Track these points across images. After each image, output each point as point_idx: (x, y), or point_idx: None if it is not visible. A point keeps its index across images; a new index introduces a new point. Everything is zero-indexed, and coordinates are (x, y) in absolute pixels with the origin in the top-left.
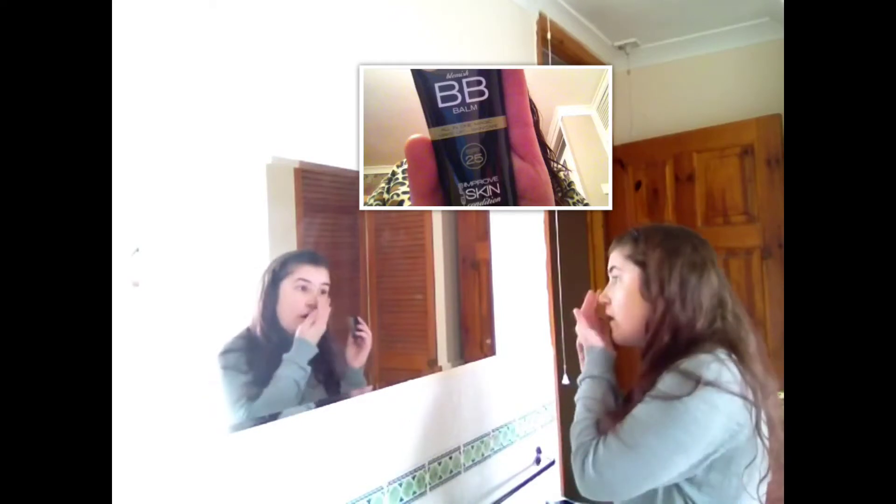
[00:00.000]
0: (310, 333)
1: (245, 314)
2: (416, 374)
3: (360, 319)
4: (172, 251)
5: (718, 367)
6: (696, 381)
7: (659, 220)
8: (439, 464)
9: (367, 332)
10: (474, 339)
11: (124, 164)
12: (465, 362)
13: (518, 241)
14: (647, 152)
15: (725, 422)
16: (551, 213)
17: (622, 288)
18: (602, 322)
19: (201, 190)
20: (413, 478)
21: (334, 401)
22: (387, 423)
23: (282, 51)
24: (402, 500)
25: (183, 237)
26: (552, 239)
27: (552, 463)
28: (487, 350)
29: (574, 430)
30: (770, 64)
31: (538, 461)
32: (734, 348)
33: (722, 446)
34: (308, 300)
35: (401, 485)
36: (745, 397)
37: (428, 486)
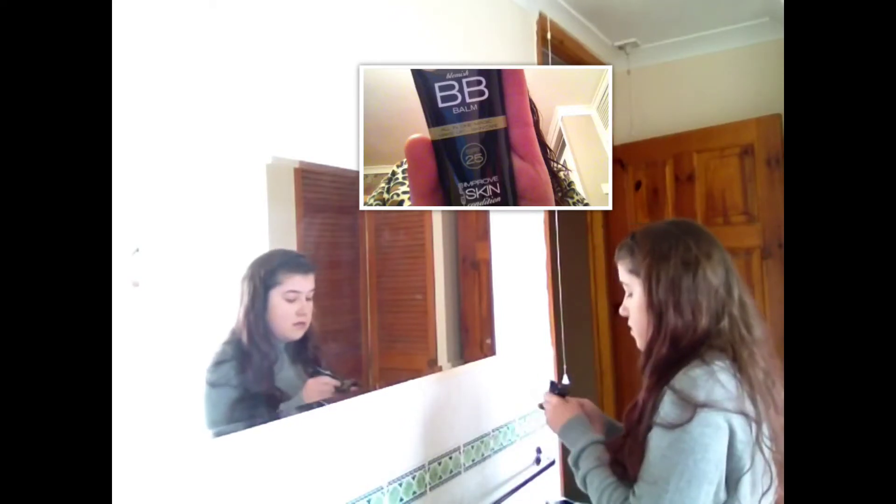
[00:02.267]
0: (309, 397)
1: (230, 320)
2: (416, 374)
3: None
4: (172, 251)
5: (710, 384)
6: (693, 406)
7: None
8: (439, 464)
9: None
10: (474, 339)
11: (124, 164)
12: (465, 362)
13: (518, 241)
14: (647, 152)
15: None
16: (551, 213)
17: (633, 302)
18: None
19: (201, 190)
20: (413, 478)
21: (336, 400)
22: (387, 424)
23: (282, 51)
24: (402, 500)
25: (183, 237)
26: (552, 239)
27: (552, 463)
28: (487, 350)
29: (602, 499)
30: (770, 64)
31: (538, 461)
32: (735, 353)
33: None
34: (298, 309)
35: (401, 485)
36: (741, 412)
37: (428, 487)
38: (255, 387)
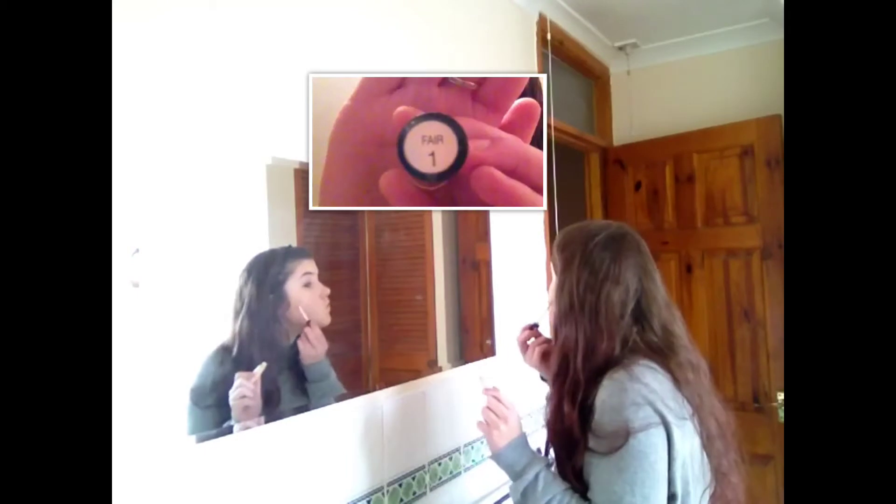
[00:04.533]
0: (312, 354)
1: (223, 333)
2: (416, 374)
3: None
4: (172, 251)
5: (635, 386)
6: (625, 415)
7: (659, 221)
8: (439, 464)
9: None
10: (474, 339)
11: (125, 164)
12: (465, 363)
13: (518, 241)
14: (647, 152)
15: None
16: (551, 213)
17: (551, 290)
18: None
19: (201, 190)
20: (413, 479)
21: (330, 403)
22: (387, 424)
23: (282, 51)
24: (402, 500)
25: (183, 237)
26: (552, 239)
27: (552, 463)
28: (487, 350)
29: None
30: (770, 64)
31: None
32: (658, 354)
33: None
34: (320, 292)
35: (400, 486)
36: (669, 408)
37: (428, 487)
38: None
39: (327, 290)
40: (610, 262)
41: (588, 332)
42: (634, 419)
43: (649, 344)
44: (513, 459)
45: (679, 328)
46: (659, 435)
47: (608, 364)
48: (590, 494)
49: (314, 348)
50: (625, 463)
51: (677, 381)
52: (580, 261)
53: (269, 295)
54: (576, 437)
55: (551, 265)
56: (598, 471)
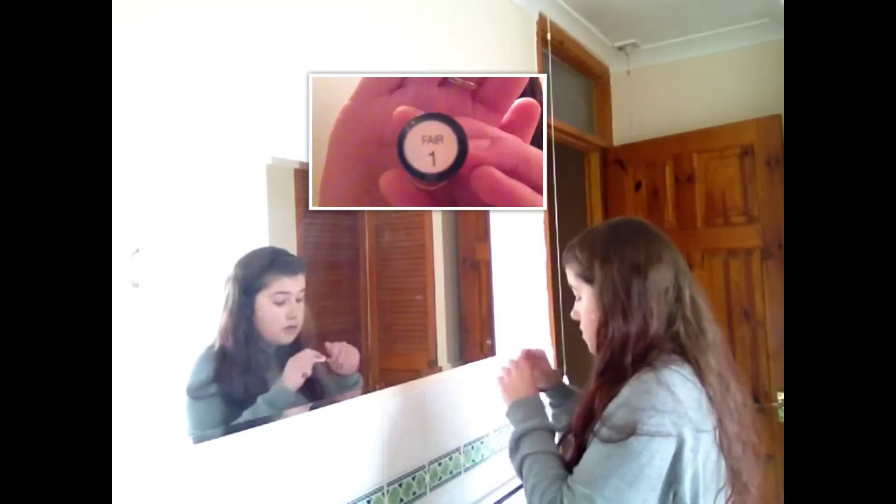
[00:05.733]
0: (291, 381)
1: (212, 326)
2: (415, 374)
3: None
4: (172, 251)
5: (659, 391)
6: (640, 413)
7: (659, 221)
8: (439, 464)
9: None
10: (474, 339)
11: (124, 164)
12: (465, 363)
13: (518, 241)
14: (647, 152)
15: (670, 455)
16: (551, 213)
17: (582, 306)
18: (531, 363)
19: (201, 190)
20: (413, 478)
21: (335, 402)
22: (387, 424)
23: (282, 51)
24: (402, 500)
25: (183, 237)
26: (552, 239)
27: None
28: (487, 350)
29: (535, 493)
30: (770, 64)
31: None
32: (689, 357)
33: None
34: (288, 312)
35: (400, 485)
36: (690, 419)
37: (428, 487)
38: (242, 393)
39: (298, 314)
40: (645, 243)
41: (636, 323)
42: (647, 423)
43: (681, 343)
44: (516, 415)
45: (710, 325)
46: (664, 445)
47: (651, 348)
48: (574, 468)
49: (340, 368)
50: (616, 453)
51: (706, 389)
52: (614, 252)
53: (242, 298)
54: (591, 425)
55: (572, 275)
56: (590, 451)
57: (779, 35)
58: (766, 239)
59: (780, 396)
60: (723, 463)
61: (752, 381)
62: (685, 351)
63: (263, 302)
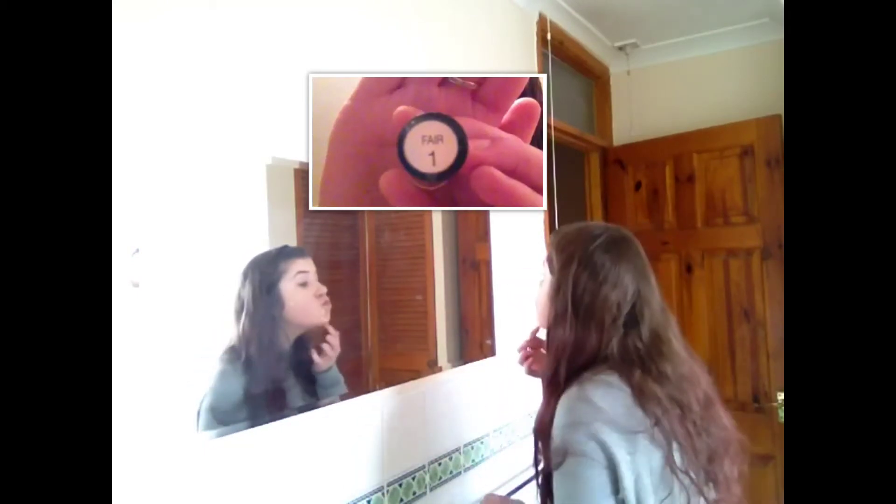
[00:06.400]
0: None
1: (227, 335)
2: (415, 374)
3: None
4: (172, 251)
5: (578, 406)
6: (564, 453)
7: (659, 221)
8: (439, 464)
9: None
10: (474, 339)
11: (125, 164)
12: (465, 363)
13: (518, 241)
14: (647, 152)
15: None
16: (551, 213)
17: (542, 289)
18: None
19: (201, 190)
20: (413, 478)
21: (334, 402)
22: (387, 424)
23: (282, 51)
24: (401, 500)
25: (183, 237)
26: None
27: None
28: (487, 350)
29: None
30: (770, 64)
31: None
32: (631, 367)
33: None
34: (316, 290)
35: (400, 486)
36: (617, 428)
37: (428, 487)
38: (261, 389)
39: (324, 289)
40: (610, 264)
41: (580, 334)
42: (571, 440)
43: (626, 350)
44: None
45: (672, 333)
46: (591, 457)
47: (587, 365)
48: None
49: (329, 356)
50: (564, 481)
51: (638, 395)
52: (579, 262)
53: (264, 296)
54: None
55: (546, 264)
56: (554, 481)
57: (779, 35)
58: (766, 239)
59: (780, 396)
60: (668, 470)
61: (752, 381)
62: (624, 360)
63: (289, 288)
